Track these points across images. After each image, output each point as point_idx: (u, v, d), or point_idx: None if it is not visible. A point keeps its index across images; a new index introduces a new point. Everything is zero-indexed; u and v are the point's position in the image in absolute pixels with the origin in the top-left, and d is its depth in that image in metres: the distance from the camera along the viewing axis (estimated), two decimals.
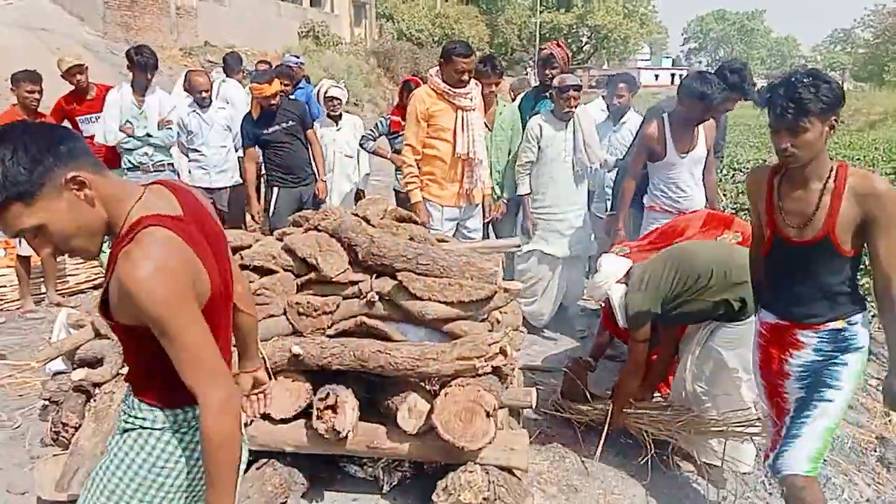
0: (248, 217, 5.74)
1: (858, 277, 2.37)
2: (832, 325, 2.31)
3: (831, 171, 2.18)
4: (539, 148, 4.57)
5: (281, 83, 5.39)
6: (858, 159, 14.89)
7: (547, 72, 4.92)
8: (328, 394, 2.59)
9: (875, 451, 3.88)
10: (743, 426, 3.01)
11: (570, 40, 52.59)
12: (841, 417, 2.39)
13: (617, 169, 4.85)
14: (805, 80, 2.09)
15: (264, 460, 2.79)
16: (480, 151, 4.25)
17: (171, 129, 5.30)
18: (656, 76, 64.87)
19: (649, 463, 3.08)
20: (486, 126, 4.78)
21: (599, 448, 3.18)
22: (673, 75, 71.07)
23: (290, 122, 5.14)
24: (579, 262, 4.87)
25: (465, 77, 4.14)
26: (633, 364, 3.17)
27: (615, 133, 5.03)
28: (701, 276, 3.01)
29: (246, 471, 2.79)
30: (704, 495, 3.01)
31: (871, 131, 20.47)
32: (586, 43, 53.26)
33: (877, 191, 2.11)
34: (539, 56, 4.87)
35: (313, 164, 5.34)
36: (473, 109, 4.24)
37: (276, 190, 5.25)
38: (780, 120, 2.11)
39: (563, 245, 4.69)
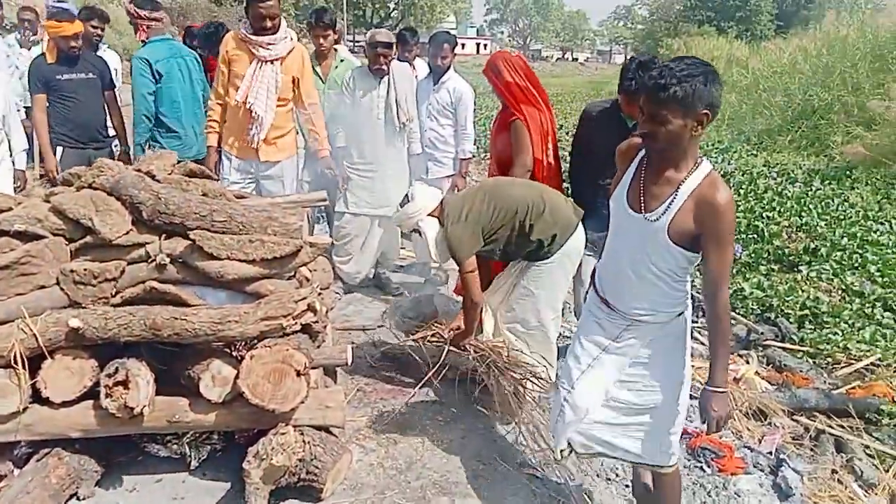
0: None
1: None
2: None
3: None
4: (352, 101, 4.49)
5: (91, 26, 4.99)
6: None
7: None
8: (116, 368, 2.34)
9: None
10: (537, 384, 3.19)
11: (377, 6, 52.39)
12: None
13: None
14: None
15: (47, 450, 2.47)
16: (261, 107, 4.07)
17: None
18: (462, 45, 66.71)
19: (475, 395, 3.17)
20: (320, 79, 4.76)
21: (425, 379, 3.22)
22: (478, 45, 73.62)
23: (91, 75, 4.64)
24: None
25: (267, 23, 3.95)
26: (468, 297, 3.19)
27: (435, 93, 5.02)
28: (518, 210, 3.11)
29: (24, 464, 2.48)
30: (514, 433, 3.17)
31: None
32: (394, 9, 53.36)
33: None
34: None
35: (111, 129, 4.88)
36: (271, 62, 4.06)
37: (59, 150, 4.62)
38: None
39: (373, 203, 4.64)
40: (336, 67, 4.82)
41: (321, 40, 4.72)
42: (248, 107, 4.05)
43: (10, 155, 4.27)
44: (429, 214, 3.20)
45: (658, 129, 1.98)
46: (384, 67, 4.45)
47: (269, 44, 4.03)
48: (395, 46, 4.72)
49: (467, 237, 3.09)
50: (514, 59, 3.86)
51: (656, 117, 1.97)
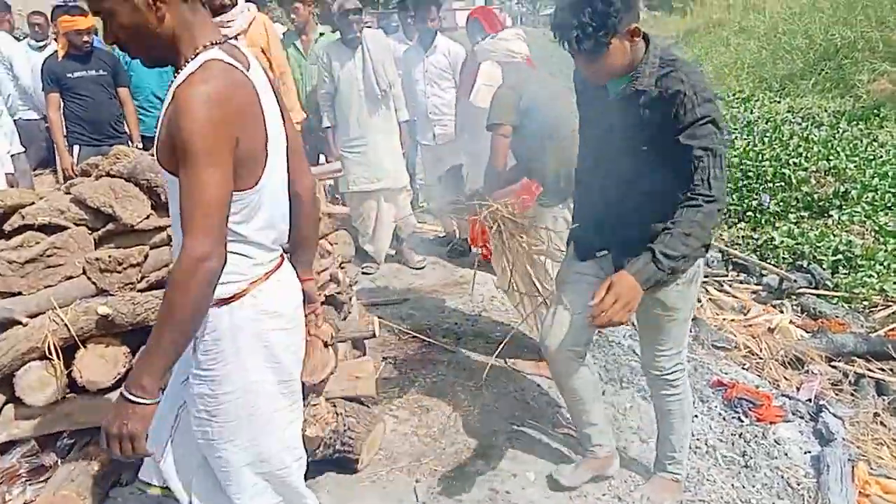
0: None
1: None
2: None
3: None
4: (332, 77, 4.44)
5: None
6: None
7: None
8: None
9: (691, 332, 4.31)
10: None
11: None
12: None
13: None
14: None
15: (88, 439, 2.52)
16: None
17: None
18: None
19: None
20: (302, 54, 4.79)
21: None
22: None
23: (102, 72, 4.67)
24: (400, 191, 4.78)
25: (226, 0, 3.89)
26: (494, 157, 3.14)
27: (428, 58, 4.92)
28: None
29: (67, 455, 2.53)
30: (546, 394, 3.16)
31: None
32: None
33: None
34: None
35: (126, 125, 4.89)
36: (235, 38, 4.08)
37: (76, 148, 4.72)
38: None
39: (370, 177, 4.57)
40: (316, 41, 4.79)
41: (293, 14, 4.74)
42: None
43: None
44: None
45: (107, 26, 1.43)
46: (359, 35, 4.34)
47: (229, 21, 3.97)
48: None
49: (509, 104, 3.06)
50: None
51: (101, 14, 1.41)
